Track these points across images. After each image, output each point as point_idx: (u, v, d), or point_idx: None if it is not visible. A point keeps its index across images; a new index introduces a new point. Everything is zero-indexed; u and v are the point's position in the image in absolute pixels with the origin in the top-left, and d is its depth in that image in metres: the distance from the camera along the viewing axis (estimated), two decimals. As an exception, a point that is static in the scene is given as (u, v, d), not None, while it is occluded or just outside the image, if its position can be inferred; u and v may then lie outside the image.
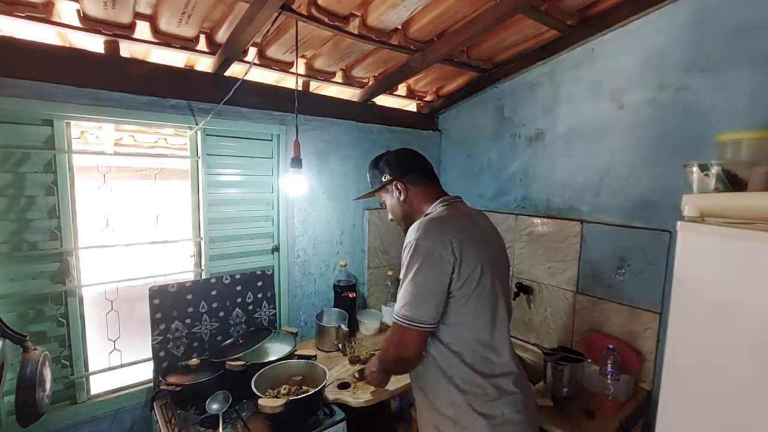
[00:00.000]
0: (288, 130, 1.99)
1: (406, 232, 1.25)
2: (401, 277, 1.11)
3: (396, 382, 1.65)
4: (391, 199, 1.30)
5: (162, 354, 1.65)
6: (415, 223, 1.13)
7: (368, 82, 2.10)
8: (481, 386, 1.10)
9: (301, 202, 2.10)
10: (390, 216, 1.36)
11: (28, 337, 1.18)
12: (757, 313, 0.91)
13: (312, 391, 1.41)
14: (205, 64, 1.70)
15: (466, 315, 1.09)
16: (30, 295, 1.45)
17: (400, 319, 1.07)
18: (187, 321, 1.71)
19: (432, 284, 1.05)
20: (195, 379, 1.52)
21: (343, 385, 1.64)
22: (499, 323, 1.14)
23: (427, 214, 1.20)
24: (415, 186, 1.26)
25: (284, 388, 1.49)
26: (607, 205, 1.77)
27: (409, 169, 1.27)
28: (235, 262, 1.95)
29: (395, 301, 1.12)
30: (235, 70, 1.68)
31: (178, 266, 1.87)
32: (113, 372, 1.68)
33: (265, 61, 1.72)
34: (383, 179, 1.29)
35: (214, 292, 1.78)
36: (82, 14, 1.30)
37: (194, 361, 1.60)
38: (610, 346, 1.57)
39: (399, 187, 1.26)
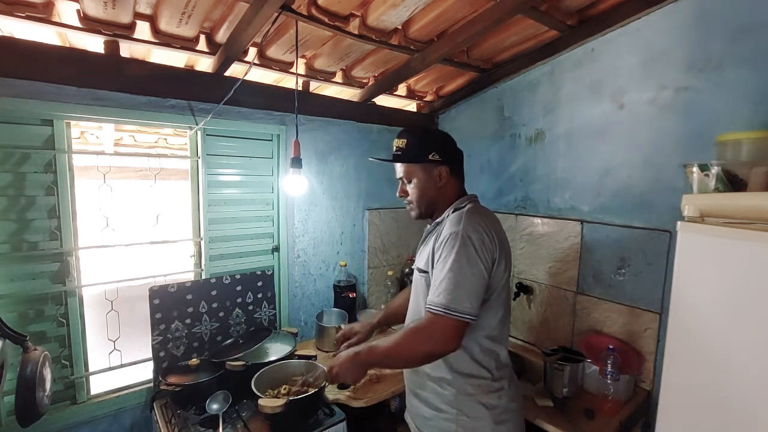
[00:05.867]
0: (288, 130, 1.99)
1: (418, 217, 1.24)
2: (437, 266, 1.06)
3: (396, 383, 1.66)
4: (427, 179, 1.20)
5: (162, 354, 1.65)
6: (454, 214, 1.13)
7: (368, 82, 2.10)
8: (486, 378, 1.13)
9: (301, 202, 2.10)
10: (411, 196, 1.23)
11: (28, 337, 1.18)
12: (757, 313, 0.91)
13: (312, 391, 1.41)
14: (205, 64, 1.70)
15: (486, 312, 1.10)
16: (30, 295, 1.45)
17: (441, 310, 0.99)
18: (187, 321, 1.71)
19: (477, 277, 1.03)
20: (195, 379, 1.52)
21: (343, 385, 1.64)
22: (507, 319, 1.19)
23: (458, 208, 1.16)
24: (454, 176, 1.23)
25: (284, 388, 1.49)
26: (607, 205, 1.77)
27: (456, 159, 1.24)
28: (235, 262, 1.95)
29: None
30: (235, 70, 1.68)
31: (178, 266, 1.87)
32: (113, 372, 1.68)
33: (265, 61, 1.72)
34: (431, 157, 1.18)
35: (214, 292, 1.78)
36: (82, 14, 1.30)
37: (194, 361, 1.60)
38: (610, 346, 1.58)
39: (443, 172, 1.19)
